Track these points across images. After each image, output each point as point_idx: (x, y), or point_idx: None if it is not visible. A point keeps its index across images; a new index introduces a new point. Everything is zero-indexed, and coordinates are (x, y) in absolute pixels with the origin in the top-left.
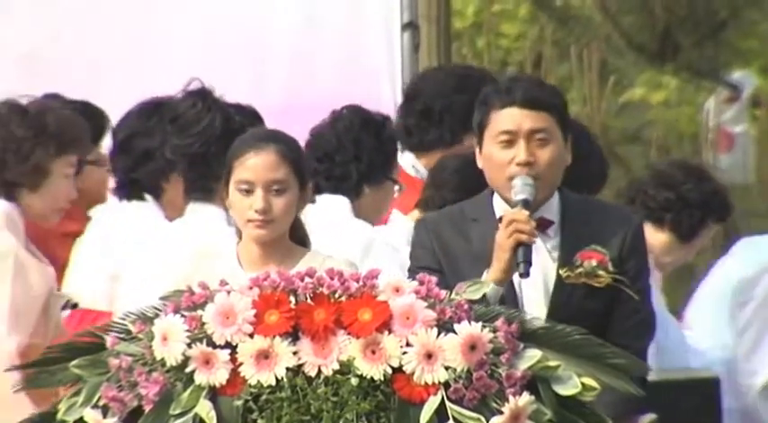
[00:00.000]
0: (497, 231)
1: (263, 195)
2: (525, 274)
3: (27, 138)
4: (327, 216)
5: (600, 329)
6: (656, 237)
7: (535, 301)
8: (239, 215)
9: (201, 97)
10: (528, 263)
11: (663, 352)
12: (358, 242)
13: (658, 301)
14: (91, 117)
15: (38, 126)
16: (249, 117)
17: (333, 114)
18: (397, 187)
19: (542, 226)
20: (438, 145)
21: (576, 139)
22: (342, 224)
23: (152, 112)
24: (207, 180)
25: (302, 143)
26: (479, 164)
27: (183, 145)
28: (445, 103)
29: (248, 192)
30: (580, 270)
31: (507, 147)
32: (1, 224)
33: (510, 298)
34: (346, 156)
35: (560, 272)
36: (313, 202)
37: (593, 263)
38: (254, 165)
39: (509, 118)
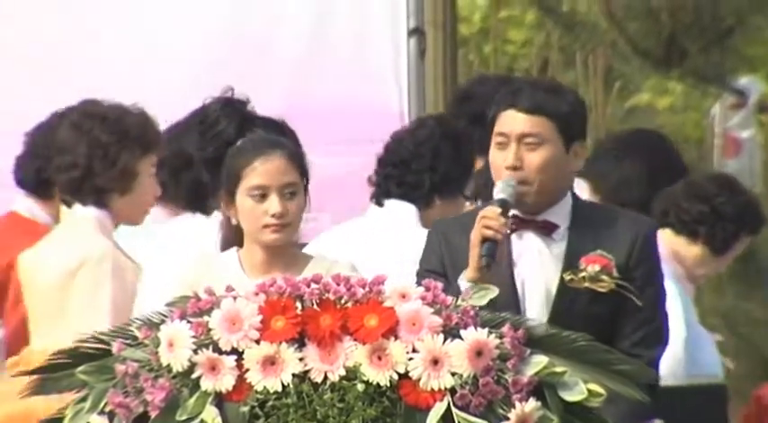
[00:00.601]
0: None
1: (279, 199)
2: (486, 268)
3: (112, 143)
4: (393, 221)
5: (604, 336)
6: (689, 249)
7: (537, 306)
8: (253, 221)
9: (224, 104)
10: (490, 257)
11: (695, 364)
12: (419, 250)
13: (691, 312)
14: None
15: (120, 130)
16: (272, 128)
17: (417, 121)
18: (468, 203)
19: (546, 229)
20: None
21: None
22: (406, 231)
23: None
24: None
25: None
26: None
27: (201, 149)
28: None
29: (262, 197)
30: (583, 274)
31: (502, 149)
32: (95, 229)
33: (512, 302)
34: (422, 164)
35: (563, 276)
36: (381, 205)
37: (597, 267)
38: (266, 170)
39: (505, 120)
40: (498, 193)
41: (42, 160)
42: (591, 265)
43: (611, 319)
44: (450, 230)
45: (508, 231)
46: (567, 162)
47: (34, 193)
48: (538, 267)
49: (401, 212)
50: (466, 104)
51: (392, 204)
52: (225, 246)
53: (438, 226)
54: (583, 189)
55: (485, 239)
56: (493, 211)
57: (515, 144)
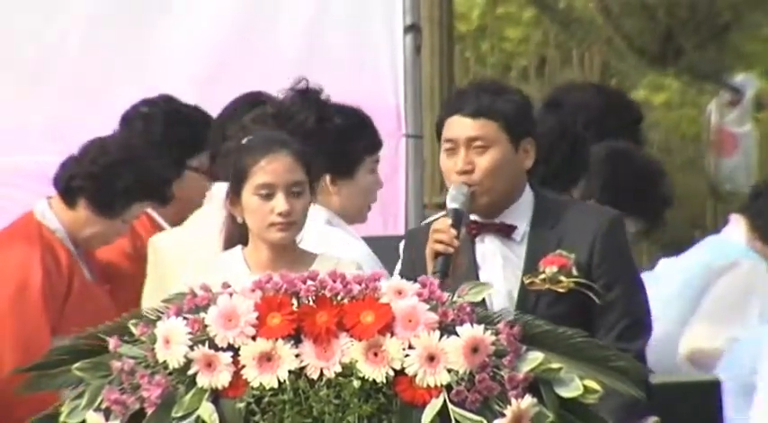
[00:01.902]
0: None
1: (285, 198)
2: (441, 283)
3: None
4: None
5: None
6: None
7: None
8: (259, 220)
9: (301, 94)
10: (443, 272)
11: None
12: None
13: None
14: (199, 122)
15: None
16: (352, 117)
17: (544, 110)
18: None
19: (505, 231)
20: None
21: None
22: None
23: (255, 105)
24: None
25: None
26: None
27: None
28: (588, 116)
29: (269, 195)
30: (543, 276)
31: (451, 155)
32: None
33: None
34: (538, 155)
35: (524, 279)
36: None
37: (555, 268)
38: (273, 168)
39: (451, 126)
40: (450, 202)
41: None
42: (549, 267)
43: (577, 320)
44: (419, 239)
45: (458, 243)
46: (516, 161)
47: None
48: (500, 270)
49: None
50: (554, 111)
51: None
52: (228, 244)
53: (410, 236)
54: (739, 224)
55: (437, 254)
56: (444, 223)
57: (464, 149)
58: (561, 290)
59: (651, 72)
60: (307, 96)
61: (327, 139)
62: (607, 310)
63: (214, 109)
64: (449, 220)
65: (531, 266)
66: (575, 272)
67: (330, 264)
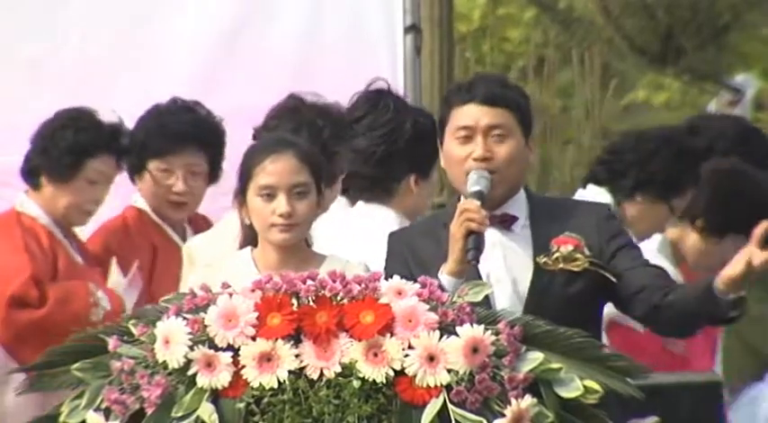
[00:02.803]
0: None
1: (287, 199)
2: (474, 261)
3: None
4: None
5: (583, 316)
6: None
7: (506, 299)
8: (261, 220)
9: (391, 99)
10: (477, 249)
11: None
12: None
13: None
14: None
15: None
16: (428, 117)
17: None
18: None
19: (506, 222)
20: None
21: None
22: None
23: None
24: (389, 181)
25: None
26: (442, 163)
27: (370, 145)
28: (724, 146)
29: (270, 196)
30: (557, 255)
31: (465, 142)
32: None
33: (483, 302)
34: (634, 157)
35: (537, 260)
36: (584, 187)
37: (570, 247)
38: (275, 169)
39: (467, 114)
40: (472, 185)
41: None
42: (563, 246)
43: (585, 300)
44: (411, 237)
45: (488, 223)
46: (527, 155)
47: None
48: (501, 259)
49: (597, 198)
50: (692, 137)
51: (591, 189)
52: (244, 246)
53: (399, 236)
54: None
55: (469, 233)
56: (473, 203)
57: (482, 136)
58: (576, 269)
59: (651, 72)
60: (383, 95)
61: (416, 140)
62: (636, 273)
63: (212, 109)
64: (477, 201)
65: (540, 249)
66: (587, 252)
67: (339, 266)
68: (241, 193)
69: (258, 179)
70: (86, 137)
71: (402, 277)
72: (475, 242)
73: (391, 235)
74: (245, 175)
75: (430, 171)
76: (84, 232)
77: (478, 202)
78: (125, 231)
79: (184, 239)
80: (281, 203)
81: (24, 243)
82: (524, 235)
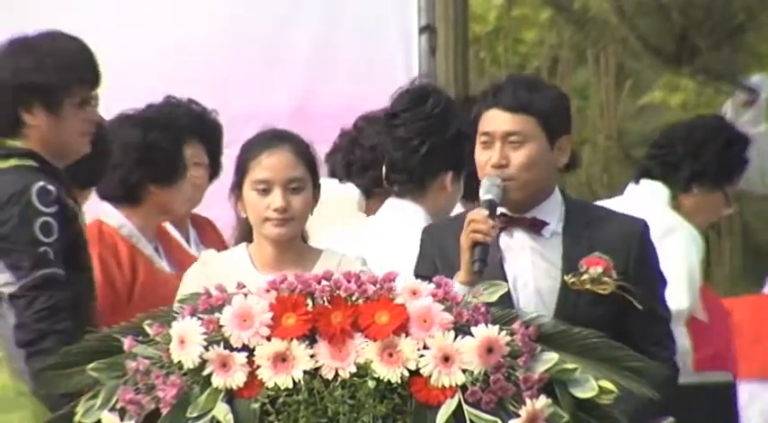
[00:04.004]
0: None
1: (282, 194)
2: (478, 273)
3: None
4: (644, 200)
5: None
6: None
7: (530, 303)
8: (256, 215)
9: (440, 95)
10: (482, 261)
11: None
12: (659, 224)
13: None
14: None
15: None
16: (465, 118)
17: (699, 116)
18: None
19: (536, 226)
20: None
21: None
22: (649, 206)
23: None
24: (426, 176)
25: (319, 147)
26: None
27: (414, 136)
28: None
29: (266, 191)
30: (585, 276)
31: (486, 148)
32: None
33: (505, 299)
34: (687, 149)
35: (565, 278)
36: (637, 183)
37: (600, 269)
38: (271, 164)
39: (489, 119)
40: (485, 193)
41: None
42: (593, 267)
43: (608, 323)
44: (442, 234)
45: (496, 233)
46: (551, 158)
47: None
48: (529, 264)
49: (654, 193)
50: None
51: (647, 184)
52: (239, 240)
53: (431, 231)
54: None
55: (475, 244)
56: (480, 213)
57: (500, 143)
58: (603, 291)
59: (666, 72)
60: (437, 95)
61: (459, 137)
62: (644, 316)
63: (225, 108)
64: (485, 211)
65: (569, 266)
66: (615, 275)
67: (335, 259)
68: (237, 187)
69: (254, 173)
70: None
71: (426, 277)
72: (480, 253)
73: (425, 231)
74: (241, 169)
75: (462, 173)
76: None
77: (486, 212)
78: None
79: (188, 240)
80: (276, 198)
81: (99, 257)
82: (555, 243)
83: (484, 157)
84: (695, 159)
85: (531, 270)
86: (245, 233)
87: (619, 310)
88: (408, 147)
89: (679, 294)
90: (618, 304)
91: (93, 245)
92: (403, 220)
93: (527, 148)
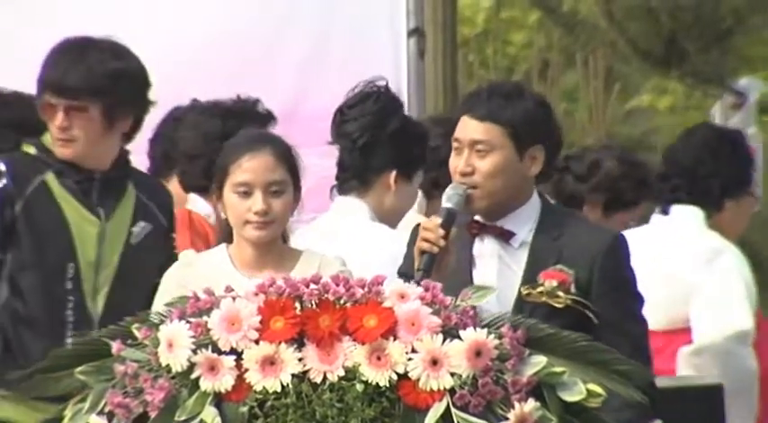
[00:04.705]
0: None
1: (263, 197)
2: (417, 283)
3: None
4: (680, 227)
5: None
6: None
7: (493, 310)
8: (237, 217)
9: (386, 95)
10: (425, 271)
11: None
12: (707, 248)
13: None
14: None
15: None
16: (422, 127)
17: (686, 131)
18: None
19: (504, 236)
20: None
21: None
22: (688, 232)
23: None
24: (368, 172)
25: (306, 150)
26: None
27: (355, 131)
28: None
29: (246, 194)
30: (540, 289)
31: (457, 155)
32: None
33: None
34: (709, 168)
35: (521, 289)
36: (666, 213)
37: (554, 283)
38: (252, 167)
39: (460, 126)
40: (445, 201)
41: None
42: (549, 281)
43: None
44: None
45: (444, 243)
46: (520, 168)
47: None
48: (495, 272)
49: (688, 216)
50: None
51: (681, 212)
52: (220, 241)
53: (415, 230)
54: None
55: (422, 252)
56: (432, 222)
57: (468, 150)
58: (558, 305)
59: (655, 75)
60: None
61: (402, 136)
62: (609, 331)
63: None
64: (438, 219)
65: (530, 277)
66: (573, 289)
67: (315, 261)
68: (218, 189)
69: (235, 176)
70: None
71: (406, 276)
72: (426, 263)
73: (413, 230)
74: (222, 171)
75: (413, 174)
76: None
77: (440, 221)
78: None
79: None
80: (257, 201)
81: (191, 243)
82: (522, 254)
83: (454, 164)
84: (718, 175)
85: (496, 278)
86: (226, 234)
87: (578, 323)
88: (350, 141)
89: (743, 314)
90: (577, 317)
91: (183, 230)
92: (348, 218)
93: (492, 157)
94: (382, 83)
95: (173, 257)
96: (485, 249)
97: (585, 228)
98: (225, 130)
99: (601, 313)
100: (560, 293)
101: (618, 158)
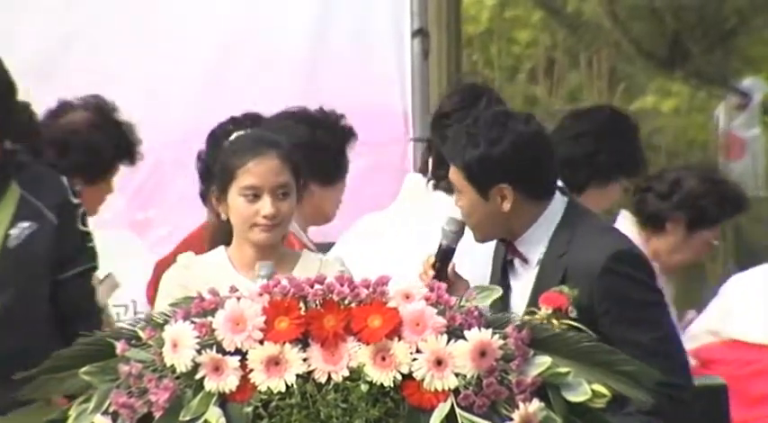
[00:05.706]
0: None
1: (272, 200)
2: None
3: None
4: None
5: None
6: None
7: None
8: (243, 220)
9: (486, 92)
10: (440, 263)
11: None
12: None
13: None
14: None
15: None
16: (331, 132)
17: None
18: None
19: (521, 256)
20: None
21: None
22: None
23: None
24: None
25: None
26: None
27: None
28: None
29: (255, 197)
30: (537, 316)
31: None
32: None
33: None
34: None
35: (524, 315)
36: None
37: (549, 310)
38: (260, 171)
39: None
40: (442, 237)
41: None
42: (545, 307)
43: None
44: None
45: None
46: (488, 207)
47: None
48: (519, 290)
49: None
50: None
51: None
52: (212, 243)
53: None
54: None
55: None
56: (427, 262)
57: (456, 188)
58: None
59: (659, 76)
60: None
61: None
62: (616, 346)
63: (217, 111)
64: (432, 258)
65: (535, 299)
66: (573, 310)
67: (314, 262)
68: (220, 191)
69: (242, 179)
70: None
71: None
72: (441, 256)
73: None
74: (227, 174)
75: (330, 180)
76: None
77: (433, 260)
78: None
79: None
80: (266, 205)
81: None
82: (532, 274)
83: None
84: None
85: (521, 296)
86: (221, 235)
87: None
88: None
89: None
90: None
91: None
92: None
93: (462, 198)
94: (477, 79)
95: (84, 250)
96: (516, 262)
97: (589, 241)
98: (315, 139)
99: (608, 330)
100: (554, 321)
101: (699, 177)
